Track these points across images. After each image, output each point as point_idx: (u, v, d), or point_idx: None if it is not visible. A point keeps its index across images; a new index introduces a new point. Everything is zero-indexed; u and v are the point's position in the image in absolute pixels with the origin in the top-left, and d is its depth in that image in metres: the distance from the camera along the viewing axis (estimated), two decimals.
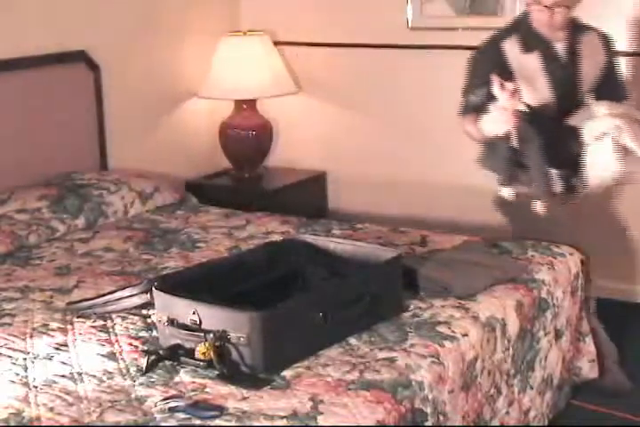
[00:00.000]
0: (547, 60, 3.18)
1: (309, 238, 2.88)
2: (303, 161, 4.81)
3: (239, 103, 4.61)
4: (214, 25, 4.68)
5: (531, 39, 3.18)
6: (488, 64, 3.17)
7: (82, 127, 4.08)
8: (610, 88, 3.26)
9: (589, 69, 3.21)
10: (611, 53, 3.28)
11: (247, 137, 4.59)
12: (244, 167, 4.66)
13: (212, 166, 4.74)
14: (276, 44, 4.64)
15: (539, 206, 3.08)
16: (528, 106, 2.96)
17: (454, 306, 2.71)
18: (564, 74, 3.20)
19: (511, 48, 3.18)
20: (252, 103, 4.62)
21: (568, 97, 3.20)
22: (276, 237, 3.30)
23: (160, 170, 4.37)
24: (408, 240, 3.32)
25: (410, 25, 4.40)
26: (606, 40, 3.27)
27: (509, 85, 2.91)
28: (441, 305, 2.71)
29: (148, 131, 4.48)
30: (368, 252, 2.72)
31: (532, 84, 3.14)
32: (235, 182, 4.68)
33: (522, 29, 3.21)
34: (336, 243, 2.81)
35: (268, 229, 3.53)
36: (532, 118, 2.97)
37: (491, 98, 3.00)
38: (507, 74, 3.07)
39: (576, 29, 3.23)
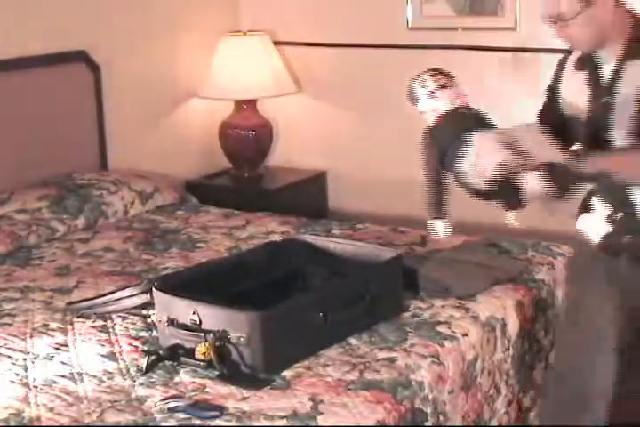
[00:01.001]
0: (591, 86, 2.35)
1: (309, 238, 2.88)
2: (303, 161, 4.80)
3: (239, 103, 4.60)
4: (214, 25, 4.67)
5: (586, 56, 2.36)
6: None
7: (82, 127, 4.08)
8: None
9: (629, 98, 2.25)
10: None
11: (247, 137, 4.59)
12: (243, 167, 4.66)
13: (211, 166, 4.74)
14: (276, 44, 4.64)
15: None
16: (452, 113, 2.32)
17: (454, 306, 2.71)
18: (600, 105, 2.30)
19: (573, 60, 2.42)
20: (252, 103, 4.62)
21: (595, 136, 2.32)
22: (276, 237, 3.30)
23: (160, 170, 4.37)
24: (408, 240, 3.32)
25: (409, 25, 4.40)
26: None
27: (430, 84, 2.34)
28: (441, 305, 2.71)
29: (148, 131, 4.48)
30: (368, 252, 2.72)
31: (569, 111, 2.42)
32: (235, 182, 4.67)
33: None
34: (336, 243, 2.81)
35: (268, 229, 3.53)
36: (442, 127, 2.32)
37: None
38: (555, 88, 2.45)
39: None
